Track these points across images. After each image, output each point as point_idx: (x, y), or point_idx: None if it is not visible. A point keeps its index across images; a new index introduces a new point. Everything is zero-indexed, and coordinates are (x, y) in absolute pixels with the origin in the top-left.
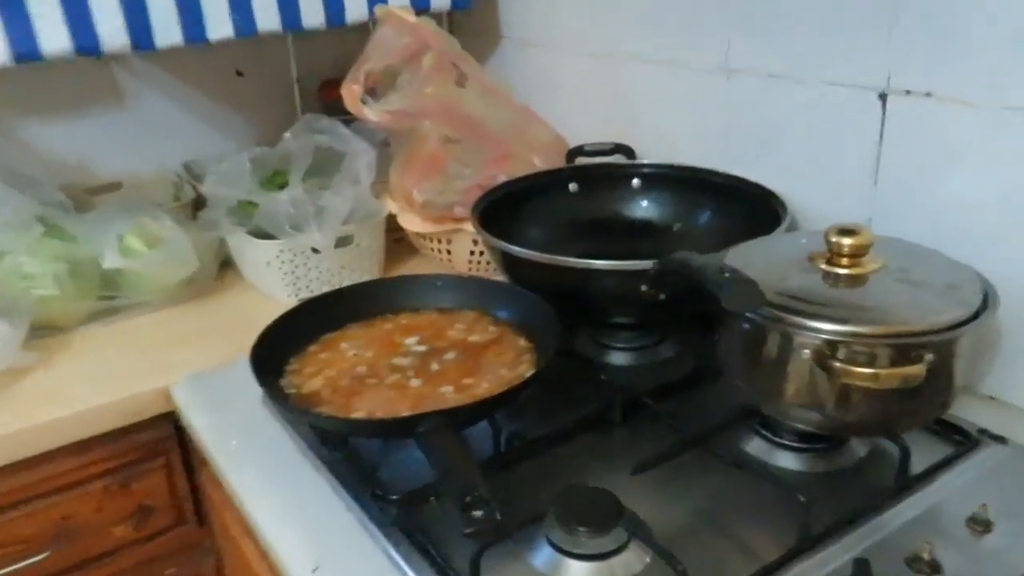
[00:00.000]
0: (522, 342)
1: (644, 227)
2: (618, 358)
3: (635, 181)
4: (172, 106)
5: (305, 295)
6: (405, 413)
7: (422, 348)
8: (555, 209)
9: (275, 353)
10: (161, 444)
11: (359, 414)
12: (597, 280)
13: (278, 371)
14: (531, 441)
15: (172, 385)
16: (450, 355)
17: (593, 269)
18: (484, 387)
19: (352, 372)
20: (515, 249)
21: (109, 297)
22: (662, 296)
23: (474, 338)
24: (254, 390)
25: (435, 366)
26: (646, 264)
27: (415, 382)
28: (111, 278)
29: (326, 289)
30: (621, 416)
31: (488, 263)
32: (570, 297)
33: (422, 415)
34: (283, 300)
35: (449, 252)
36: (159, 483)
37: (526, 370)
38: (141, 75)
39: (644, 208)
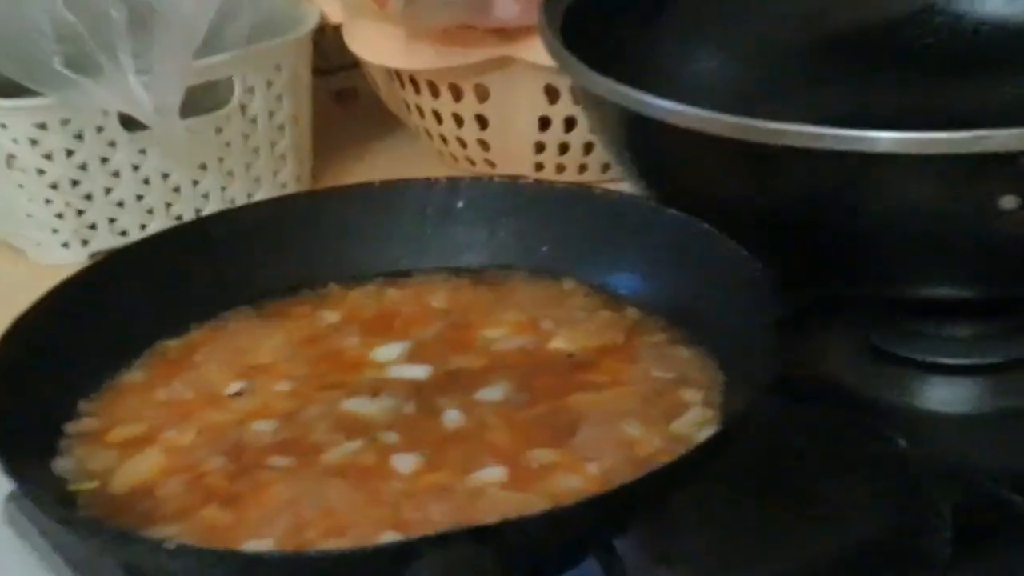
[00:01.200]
0: (682, 353)
1: (988, 48)
2: (936, 394)
3: None
4: None
5: (110, 244)
6: (385, 536)
7: (418, 372)
8: (749, 9)
9: (38, 389)
10: None
11: (261, 543)
12: (878, 184)
13: (49, 434)
14: None
15: None
16: (493, 390)
17: (872, 154)
18: (591, 471)
19: (237, 434)
20: (664, 107)
21: None
22: None
23: (559, 344)
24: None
25: (454, 418)
26: (1007, 138)
27: (404, 461)
28: None
29: (162, 225)
30: (953, 544)
31: (585, 154)
32: (809, 236)
33: (428, 540)
34: (52, 257)
35: (482, 123)
36: None
37: (695, 425)
38: None
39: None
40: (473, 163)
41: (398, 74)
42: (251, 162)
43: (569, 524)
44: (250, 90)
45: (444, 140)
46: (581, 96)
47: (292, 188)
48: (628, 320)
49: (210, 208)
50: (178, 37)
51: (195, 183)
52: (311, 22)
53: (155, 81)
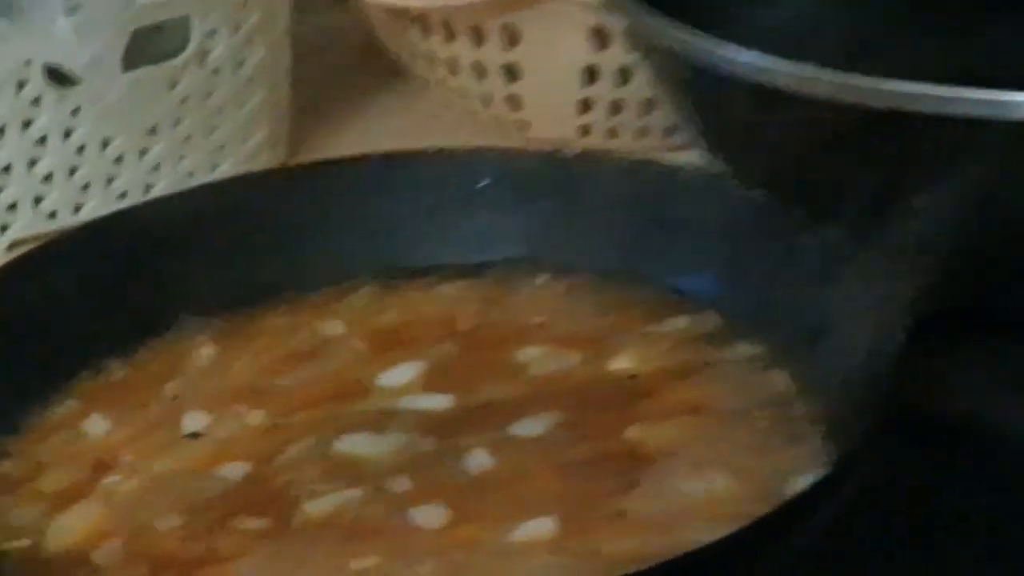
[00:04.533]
0: (773, 374)
1: None
2: None
3: None
4: None
5: (35, 231)
6: None
7: (436, 402)
8: None
9: None
10: None
11: None
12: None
13: None
14: None
15: None
16: (531, 424)
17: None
18: (658, 527)
19: (196, 484)
20: (751, 61)
21: None
22: None
23: (616, 364)
24: None
25: (482, 462)
26: None
27: (425, 515)
28: None
29: (101, 207)
30: None
31: (643, 115)
32: (939, 229)
33: None
34: None
35: (511, 74)
36: None
37: (791, 470)
38: None
39: None
40: (501, 125)
41: (403, 12)
42: (214, 125)
43: None
44: (211, 33)
45: (462, 95)
46: (639, 44)
47: (266, 159)
48: (705, 331)
49: (163, 184)
50: None
51: (143, 152)
52: None
53: (89, 23)
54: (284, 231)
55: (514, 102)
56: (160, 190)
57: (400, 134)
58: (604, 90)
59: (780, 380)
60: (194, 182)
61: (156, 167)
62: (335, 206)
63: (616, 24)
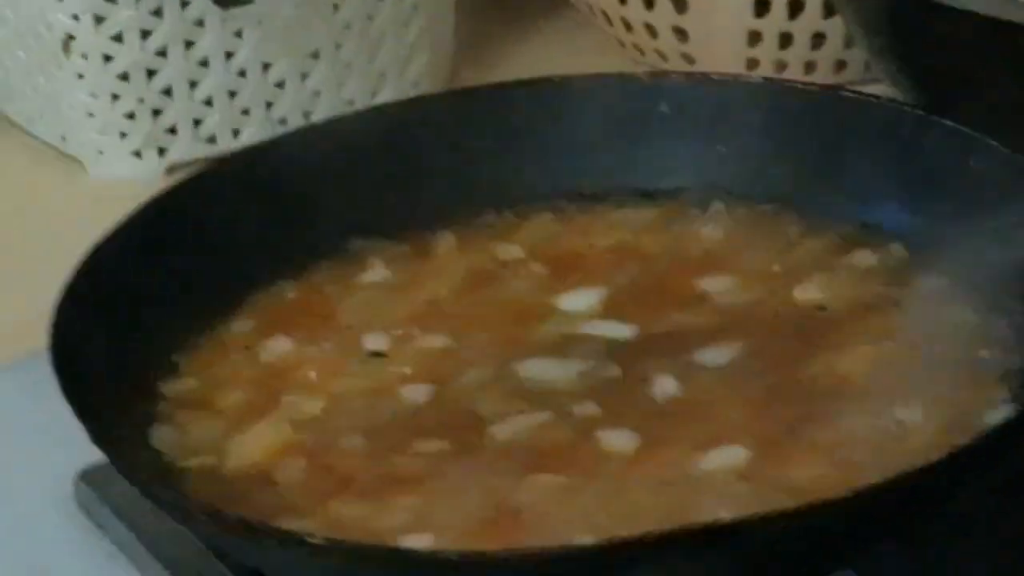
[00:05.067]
0: (965, 310)
1: None
2: None
3: None
4: None
5: (193, 155)
6: (582, 538)
7: (620, 331)
8: None
9: (124, 338)
10: None
11: (419, 540)
12: None
13: (142, 395)
14: None
15: None
16: (717, 353)
17: None
18: (851, 461)
19: (379, 405)
20: None
21: None
22: None
23: (805, 294)
24: (78, 449)
25: (669, 389)
26: None
27: (614, 439)
28: None
29: (260, 132)
30: None
31: (813, 49)
32: None
33: (664, 536)
34: (119, 170)
35: (679, 4)
36: None
37: (984, 407)
38: None
39: None
40: (665, 58)
41: None
42: (375, 51)
43: (824, 527)
44: None
45: (627, 26)
46: None
47: (427, 86)
48: (893, 262)
49: (322, 110)
50: None
51: (303, 77)
52: None
53: None
54: (456, 155)
55: (681, 34)
56: (318, 116)
57: (562, 68)
58: (774, 23)
59: (968, 314)
60: (353, 109)
61: (316, 93)
62: (510, 128)
63: None
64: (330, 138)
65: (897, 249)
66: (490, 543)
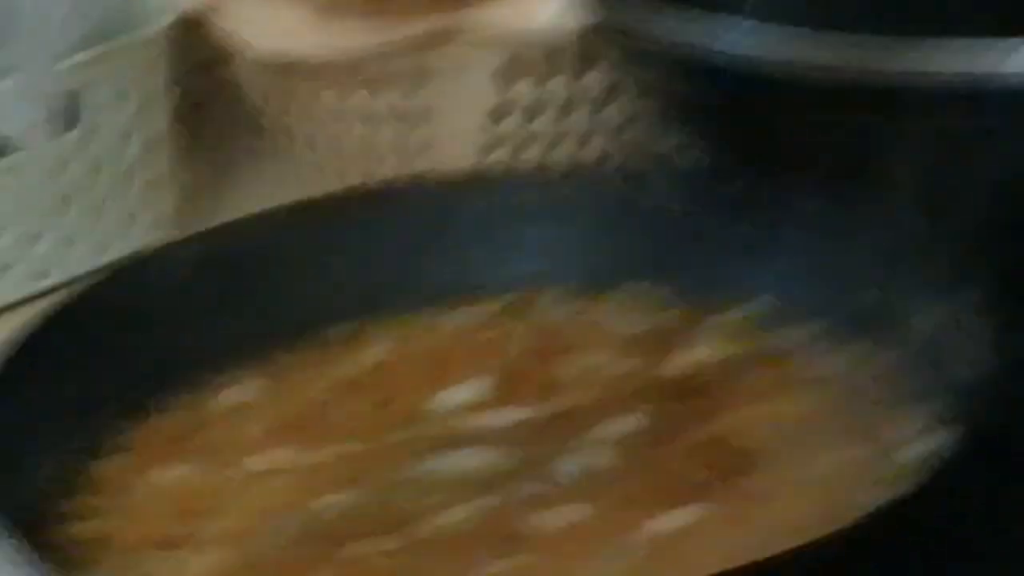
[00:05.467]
0: (847, 356)
1: None
2: None
3: None
4: None
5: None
6: None
7: (515, 415)
8: None
9: None
10: None
11: None
12: None
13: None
14: None
15: None
16: (620, 424)
17: None
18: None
19: (307, 519)
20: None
21: None
22: None
23: (686, 357)
24: None
25: (583, 464)
26: None
27: (564, 513)
28: None
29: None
30: None
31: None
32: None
33: None
34: None
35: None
36: None
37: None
38: None
39: None
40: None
41: (312, 61)
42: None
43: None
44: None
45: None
46: (624, 49)
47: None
48: (762, 316)
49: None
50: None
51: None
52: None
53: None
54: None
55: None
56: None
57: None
58: (511, 127)
59: (852, 356)
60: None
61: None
62: (329, 242)
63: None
64: (172, 266)
65: (768, 301)
66: None
